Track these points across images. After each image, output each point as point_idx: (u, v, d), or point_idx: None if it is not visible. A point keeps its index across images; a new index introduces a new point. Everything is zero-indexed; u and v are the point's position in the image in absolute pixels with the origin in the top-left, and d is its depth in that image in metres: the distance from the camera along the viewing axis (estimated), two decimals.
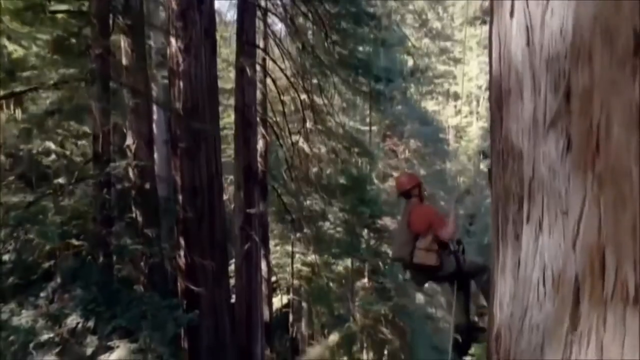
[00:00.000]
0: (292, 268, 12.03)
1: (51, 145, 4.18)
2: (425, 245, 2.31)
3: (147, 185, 5.48)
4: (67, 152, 4.37)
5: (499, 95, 1.01)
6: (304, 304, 10.97)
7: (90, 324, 3.99)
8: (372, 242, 7.37)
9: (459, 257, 2.47)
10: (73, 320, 3.85)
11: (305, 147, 11.94)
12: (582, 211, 0.73)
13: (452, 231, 2.44)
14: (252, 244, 7.94)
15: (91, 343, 3.90)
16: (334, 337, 6.76)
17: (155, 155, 8.18)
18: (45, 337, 3.71)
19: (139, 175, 5.42)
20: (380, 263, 6.98)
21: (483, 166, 24.33)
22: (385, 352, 7.09)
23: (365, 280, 7.32)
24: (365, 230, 7.77)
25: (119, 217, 4.98)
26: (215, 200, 8.15)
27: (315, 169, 12.75)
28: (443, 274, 2.61)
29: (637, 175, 0.64)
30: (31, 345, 3.68)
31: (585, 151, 0.73)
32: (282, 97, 8.97)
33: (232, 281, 9.26)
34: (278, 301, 12.00)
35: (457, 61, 21.88)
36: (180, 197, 7.81)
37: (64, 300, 4.06)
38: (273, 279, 12.16)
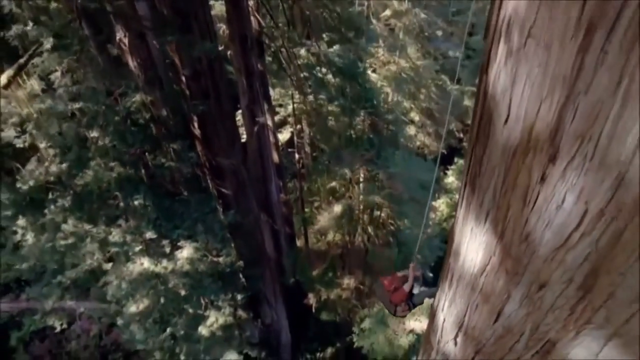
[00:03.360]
0: (294, 110, 13.10)
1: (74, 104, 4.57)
2: (403, 309, 3.57)
3: (164, 112, 5.98)
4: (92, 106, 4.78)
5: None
6: (307, 148, 12.65)
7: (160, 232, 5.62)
8: (366, 123, 8.10)
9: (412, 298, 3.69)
10: (148, 235, 5.45)
11: None
12: None
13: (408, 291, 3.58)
14: (259, 124, 8.78)
15: (167, 245, 5.64)
16: (337, 209, 8.63)
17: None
18: (136, 249, 5.40)
19: (152, 103, 5.85)
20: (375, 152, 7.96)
21: None
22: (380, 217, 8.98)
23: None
24: (361, 118, 8.36)
25: (147, 142, 5.83)
26: (217, 77, 8.46)
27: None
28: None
29: None
30: (130, 253, 5.41)
31: None
32: None
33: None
34: (282, 138, 13.67)
35: None
36: (183, 79, 8.14)
37: (136, 219, 5.54)
38: (276, 118, 13.40)
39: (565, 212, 1.05)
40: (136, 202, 5.42)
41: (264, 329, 10.37)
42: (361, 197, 8.34)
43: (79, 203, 5.28)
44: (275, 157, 12.24)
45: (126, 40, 7.02)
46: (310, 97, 12.37)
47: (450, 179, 18.81)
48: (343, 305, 8.84)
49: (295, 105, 12.30)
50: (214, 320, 7.65)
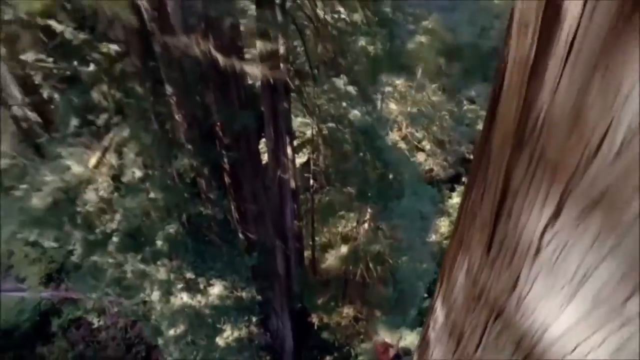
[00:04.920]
0: (313, 136, 14.19)
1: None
2: None
3: (205, 170, 7.18)
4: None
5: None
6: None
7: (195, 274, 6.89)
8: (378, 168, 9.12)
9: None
10: (188, 275, 6.72)
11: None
12: None
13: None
14: (283, 166, 9.91)
15: (201, 283, 6.91)
16: (344, 250, 9.74)
17: None
18: (178, 286, 6.67)
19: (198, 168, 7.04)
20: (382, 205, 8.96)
21: None
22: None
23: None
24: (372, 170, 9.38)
25: (190, 195, 7.06)
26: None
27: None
28: None
29: None
30: (173, 289, 6.70)
31: None
32: None
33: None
34: (299, 161, 14.82)
35: None
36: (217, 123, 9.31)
37: (178, 260, 6.81)
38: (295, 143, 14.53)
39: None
40: (179, 246, 6.67)
41: (271, 340, 11.70)
42: (364, 240, 9.48)
43: (132, 245, 6.56)
44: (292, 183, 13.39)
45: (174, 98, 8.27)
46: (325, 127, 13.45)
47: (455, 200, 19.69)
48: (342, 331, 10.04)
49: (313, 134, 13.38)
50: (230, 333, 8.98)
